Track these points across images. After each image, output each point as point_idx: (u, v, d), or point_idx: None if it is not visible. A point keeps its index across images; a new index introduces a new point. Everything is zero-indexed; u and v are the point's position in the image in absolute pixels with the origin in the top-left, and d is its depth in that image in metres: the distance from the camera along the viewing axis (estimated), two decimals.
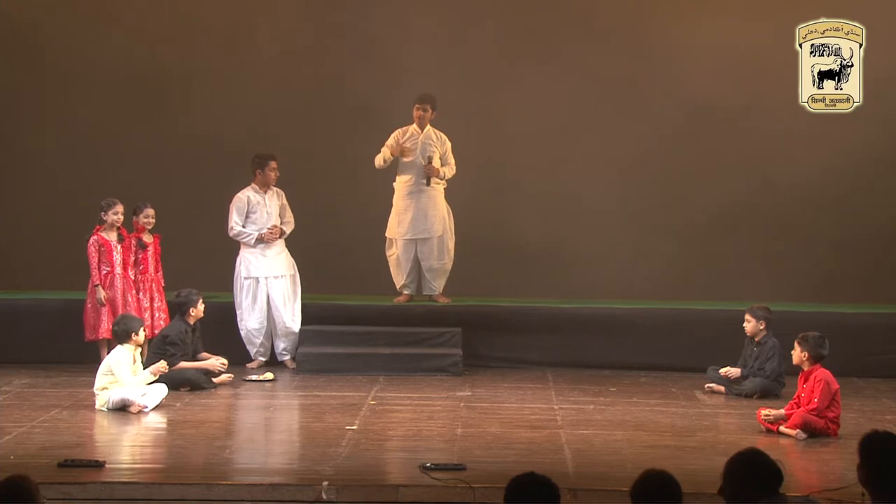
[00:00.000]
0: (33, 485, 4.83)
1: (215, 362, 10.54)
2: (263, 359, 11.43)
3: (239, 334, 11.43)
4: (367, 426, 9.00)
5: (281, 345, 11.47)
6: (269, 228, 11.42)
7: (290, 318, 11.47)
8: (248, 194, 11.46)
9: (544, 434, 8.82)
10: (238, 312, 11.44)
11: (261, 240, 11.42)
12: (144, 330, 9.91)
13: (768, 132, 12.80)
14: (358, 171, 12.63)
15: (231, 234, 11.47)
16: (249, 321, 11.42)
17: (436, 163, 11.87)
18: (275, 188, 11.56)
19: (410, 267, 12.03)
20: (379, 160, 11.91)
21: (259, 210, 11.46)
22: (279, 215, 11.55)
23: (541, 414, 9.58)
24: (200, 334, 10.70)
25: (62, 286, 12.10)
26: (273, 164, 11.45)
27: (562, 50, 12.88)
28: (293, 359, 11.39)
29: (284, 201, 11.60)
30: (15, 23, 13.03)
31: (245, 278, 11.44)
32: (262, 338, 11.44)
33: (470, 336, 11.53)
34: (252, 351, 11.43)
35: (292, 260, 11.60)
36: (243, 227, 11.43)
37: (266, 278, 11.44)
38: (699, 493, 6.63)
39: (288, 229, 11.57)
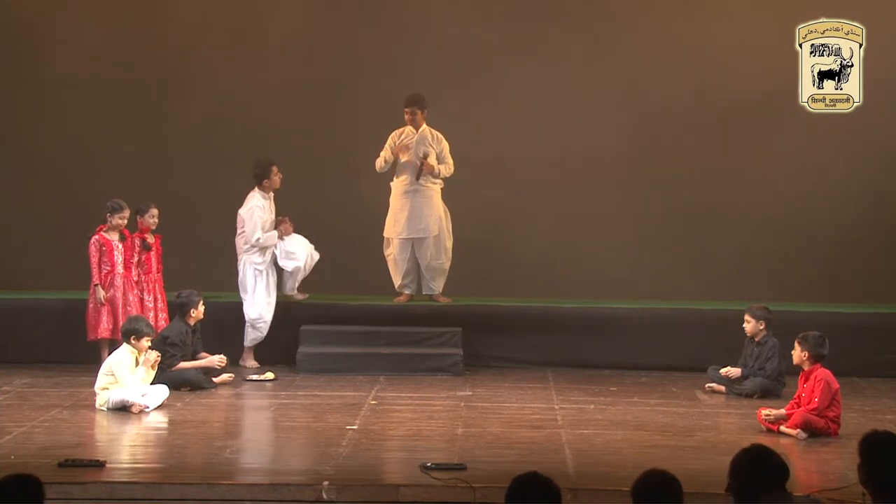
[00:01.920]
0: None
1: (215, 359, 10.56)
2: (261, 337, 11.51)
3: (239, 334, 11.43)
4: (367, 426, 9.01)
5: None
6: (282, 221, 11.58)
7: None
8: (261, 203, 11.52)
9: (545, 434, 8.82)
10: (246, 297, 11.51)
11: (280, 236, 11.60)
12: (149, 341, 9.89)
13: (768, 132, 12.80)
14: (358, 171, 12.63)
15: (258, 244, 11.47)
16: (265, 310, 11.52)
17: (431, 161, 11.88)
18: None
19: (408, 267, 12.03)
20: (379, 162, 11.97)
21: (266, 215, 11.58)
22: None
23: (541, 414, 9.58)
24: (200, 335, 10.71)
25: (62, 286, 12.10)
26: (274, 168, 11.52)
27: (561, 49, 12.87)
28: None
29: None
30: (14, 22, 13.03)
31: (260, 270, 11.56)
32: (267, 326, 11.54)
33: (470, 336, 11.53)
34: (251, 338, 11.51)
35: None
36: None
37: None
38: (699, 493, 6.63)
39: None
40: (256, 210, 11.48)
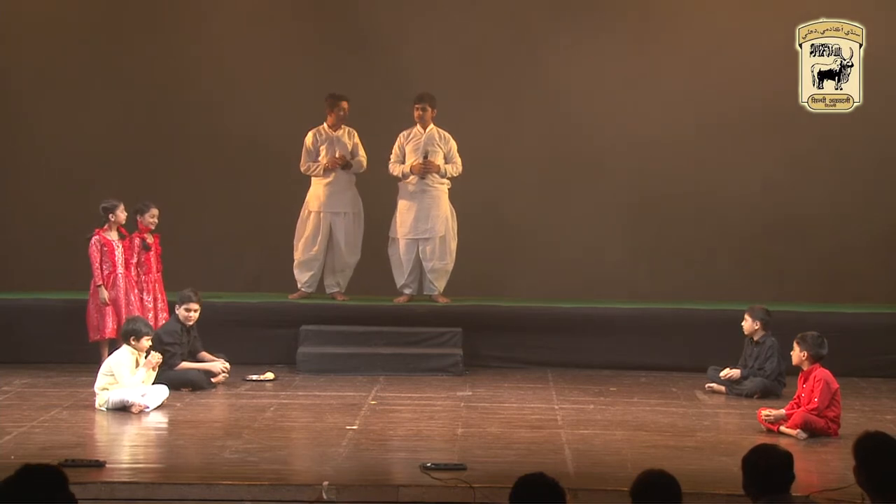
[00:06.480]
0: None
1: (218, 365, 10.55)
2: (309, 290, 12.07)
3: (239, 334, 11.44)
4: (367, 426, 9.01)
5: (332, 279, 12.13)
6: (334, 157, 11.91)
7: (349, 253, 12.04)
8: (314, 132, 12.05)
9: (544, 434, 8.82)
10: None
11: (328, 168, 11.94)
12: (149, 340, 9.88)
13: (768, 132, 12.79)
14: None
15: (301, 169, 11.99)
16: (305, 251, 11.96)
17: (438, 161, 11.90)
18: (346, 128, 12.04)
19: (412, 267, 12.04)
20: (397, 168, 12.02)
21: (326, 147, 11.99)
22: (351, 152, 12.07)
23: (541, 414, 9.58)
24: (197, 333, 10.69)
25: (62, 286, 12.10)
26: (342, 104, 12.04)
27: (559, 49, 12.87)
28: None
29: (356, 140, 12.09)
30: (11, 20, 13.01)
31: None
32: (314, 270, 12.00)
33: (470, 336, 11.54)
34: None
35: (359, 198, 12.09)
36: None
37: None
38: (699, 493, 6.64)
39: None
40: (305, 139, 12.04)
